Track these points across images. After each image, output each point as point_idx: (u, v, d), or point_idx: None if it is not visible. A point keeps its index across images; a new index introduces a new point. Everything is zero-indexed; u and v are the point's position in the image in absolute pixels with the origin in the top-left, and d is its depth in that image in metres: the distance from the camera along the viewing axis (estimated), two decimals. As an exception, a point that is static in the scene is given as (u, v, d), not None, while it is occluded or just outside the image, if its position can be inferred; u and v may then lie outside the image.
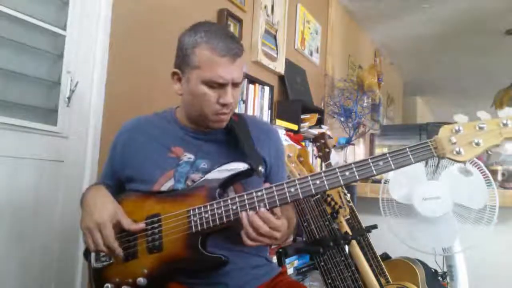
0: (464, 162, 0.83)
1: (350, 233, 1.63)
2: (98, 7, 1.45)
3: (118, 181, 1.08)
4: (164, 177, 1.00)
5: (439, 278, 1.92)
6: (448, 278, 1.78)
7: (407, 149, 0.83)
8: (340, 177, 0.85)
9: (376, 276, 1.65)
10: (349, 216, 1.79)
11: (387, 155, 0.84)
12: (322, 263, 1.47)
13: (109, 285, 0.93)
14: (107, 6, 1.46)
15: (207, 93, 0.96)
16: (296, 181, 0.88)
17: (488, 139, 0.81)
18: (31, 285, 1.26)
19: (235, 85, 0.99)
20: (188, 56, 0.96)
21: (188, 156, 1.02)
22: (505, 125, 0.80)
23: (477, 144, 0.81)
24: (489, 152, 0.83)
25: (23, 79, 1.27)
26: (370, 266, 1.69)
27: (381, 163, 0.84)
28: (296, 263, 2.13)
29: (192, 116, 1.04)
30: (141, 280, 0.92)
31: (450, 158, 0.82)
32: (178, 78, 1.02)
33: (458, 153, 0.81)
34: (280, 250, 1.46)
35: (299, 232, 2.28)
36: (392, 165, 0.83)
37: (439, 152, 0.82)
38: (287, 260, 2.00)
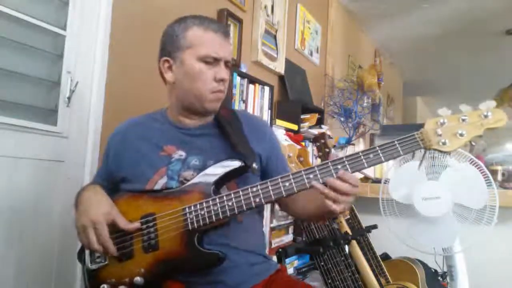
0: (449, 153, 0.88)
1: (350, 233, 1.63)
2: (98, 7, 1.45)
3: (112, 182, 1.08)
4: (157, 175, 1.01)
5: (439, 278, 1.92)
6: (448, 278, 1.78)
7: (396, 141, 0.87)
8: (332, 171, 0.88)
9: (376, 276, 1.66)
10: (349, 216, 1.79)
11: (377, 148, 0.87)
12: (322, 263, 1.47)
13: (105, 285, 0.93)
14: (107, 6, 1.46)
15: (203, 70, 0.99)
16: (291, 176, 0.90)
17: (471, 130, 0.86)
18: (31, 285, 1.26)
19: (226, 64, 1.03)
20: (179, 40, 1.00)
21: (180, 154, 1.03)
22: (486, 116, 0.85)
23: (461, 135, 0.85)
24: (473, 143, 0.88)
25: (23, 79, 1.27)
26: (370, 266, 1.69)
27: (371, 155, 0.87)
28: (296, 263, 2.13)
29: (187, 102, 1.04)
30: (138, 279, 0.92)
31: (436, 149, 0.86)
32: (169, 66, 1.04)
33: (444, 144, 0.85)
34: (280, 250, 1.47)
35: (299, 232, 2.29)
36: (382, 157, 0.87)
37: (425, 144, 0.86)
38: (287, 260, 2.00)
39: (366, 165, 0.87)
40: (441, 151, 0.86)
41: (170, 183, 0.99)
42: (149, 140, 1.06)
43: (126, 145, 1.08)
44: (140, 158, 1.04)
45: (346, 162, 0.88)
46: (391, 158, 0.87)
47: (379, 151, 0.87)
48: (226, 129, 1.04)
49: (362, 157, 0.87)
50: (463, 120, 0.86)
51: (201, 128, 1.07)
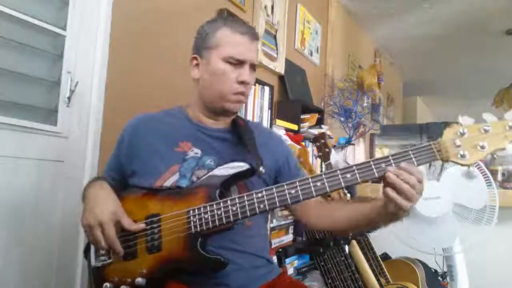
0: (468, 166, 0.82)
1: (350, 233, 1.63)
2: (98, 7, 1.45)
3: (122, 175, 1.08)
4: (168, 172, 1.00)
5: (439, 278, 1.92)
6: (448, 278, 1.78)
7: (410, 152, 0.82)
8: (341, 179, 0.85)
9: (376, 276, 1.66)
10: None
11: (390, 157, 0.83)
12: (322, 263, 1.47)
13: (108, 284, 0.93)
14: (107, 6, 1.46)
15: (227, 71, 1.01)
16: (297, 183, 0.88)
17: (493, 142, 0.79)
18: (31, 285, 1.26)
19: (252, 67, 1.04)
20: (209, 39, 1.03)
21: (195, 151, 1.03)
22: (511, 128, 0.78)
23: (482, 147, 0.79)
24: (495, 156, 0.82)
25: (23, 79, 1.27)
26: (370, 266, 1.69)
27: (383, 165, 0.83)
28: (296, 263, 2.13)
29: (208, 100, 1.05)
30: (139, 280, 0.91)
31: (454, 162, 0.81)
32: (197, 63, 1.06)
33: (463, 156, 0.80)
34: (280, 250, 1.47)
35: (299, 232, 2.29)
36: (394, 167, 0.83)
37: (442, 155, 0.81)
38: (287, 260, 2.00)
39: (376, 175, 0.84)
40: (459, 164, 0.81)
41: (181, 181, 0.99)
42: (164, 136, 1.06)
43: (140, 138, 1.07)
44: (153, 152, 1.03)
45: (356, 170, 0.85)
46: None
47: (392, 161, 0.83)
48: (242, 137, 1.05)
49: (373, 166, 0.84)
50: (485, 131, 0.79)
51: (218, 131, 1.08)
